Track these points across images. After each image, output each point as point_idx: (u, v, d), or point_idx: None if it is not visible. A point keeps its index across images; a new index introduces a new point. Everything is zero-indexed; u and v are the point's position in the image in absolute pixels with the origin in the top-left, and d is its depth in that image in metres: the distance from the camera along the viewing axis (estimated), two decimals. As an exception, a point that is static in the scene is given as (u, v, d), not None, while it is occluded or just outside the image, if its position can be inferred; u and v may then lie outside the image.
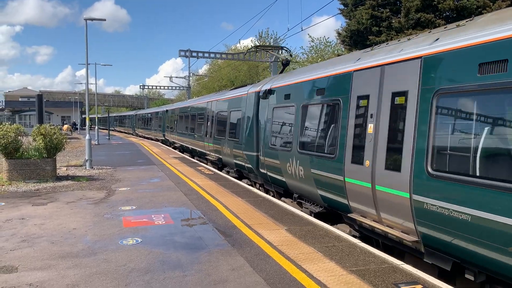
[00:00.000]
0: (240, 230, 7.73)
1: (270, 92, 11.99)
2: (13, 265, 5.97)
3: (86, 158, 17.92)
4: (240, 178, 15.18)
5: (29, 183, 13.32)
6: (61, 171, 16.42)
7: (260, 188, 13.36)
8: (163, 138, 36.13)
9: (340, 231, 7.81)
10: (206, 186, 12.82)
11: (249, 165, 13.31)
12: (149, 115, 46.46)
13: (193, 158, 23.25)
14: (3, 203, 10.28)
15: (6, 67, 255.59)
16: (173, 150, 29.32)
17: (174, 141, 30.06)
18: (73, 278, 5.46)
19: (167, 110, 34.72)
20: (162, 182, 13.68)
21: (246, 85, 16.79)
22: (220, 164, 18.03)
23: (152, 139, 42.56)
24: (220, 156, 17.06)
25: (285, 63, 16.04)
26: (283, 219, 8.62)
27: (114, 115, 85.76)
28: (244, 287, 5.17)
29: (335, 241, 7.09)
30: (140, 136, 50.24)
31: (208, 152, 19.41)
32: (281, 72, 15.38)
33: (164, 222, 8.45)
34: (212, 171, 16.75)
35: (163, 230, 7.81)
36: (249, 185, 13.66)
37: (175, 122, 29.32)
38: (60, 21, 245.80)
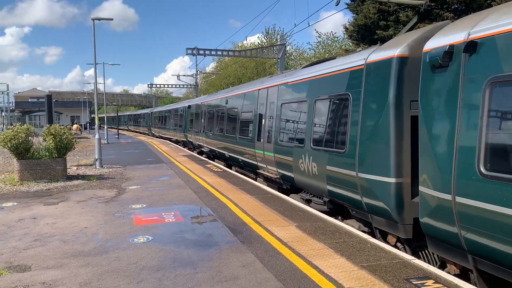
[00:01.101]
0: (250, 227, 7.74)
1: (470, 49, 5.28)
2: (27, 264, 6.04)
3: (96, 157, 18.04)
4: (333, 213, 9.12)
5: (40, 183, 13.44)
6: (72, 170, 16.56)
7: (403, 247, 7.30)
8: (185, 140, 29.72)
9: (351, 227, 7.78)
10: (215, 183, 12.85)
11: (376, 202, 7.38)
12: (167, 112, 39.70)
13: (226, 164, 18.76)
14: (15, 203, 10.39)
15: (15, 68, 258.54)
16: (183, 148, 29.21)
17: (201, 144, 23.71)
18: (86, 276, 5.51)
19: (189, 106, 28.39)
20: (172, 180, 13.74)
21: (333, 58, 10.61)
22: (286, 186, 11.65)
23: (171, 140, 36.57)
24: (290, 174, 10.82)
25: (427, 9, 9.29)
26: (292, 215, 8.61)
27: (128, 113, 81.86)
28: (255, 283, 5.19)
29: (345, 237, 7.07)
30: (157, 137, 44.87)
31: (262, 165, 13.25)
32: (410, 30, 8.79)
33: (174, 219, 8.49)
34: (221, 168, 16.78)
35: (173, 228, 7.85)
36: (367, 233, 7.88)
37: (202, 120, 23.21)
38: (69, 21, 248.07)
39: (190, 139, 27.68)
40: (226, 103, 18.12)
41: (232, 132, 16.57)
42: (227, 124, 17.63)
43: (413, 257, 6.09)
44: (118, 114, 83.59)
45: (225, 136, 17.60)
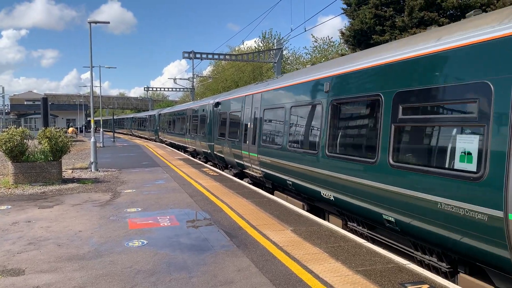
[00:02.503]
0: (246, 231, 7.73)
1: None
2: (20, 267, 5.99)
3: (92, 161, 17.98)
4: None
5: (35, 186, 13.38)
6: (67, 173, 16.49)
7: None
8: (209, 152, 20.43)
9: (346, 231, 7.79)
10: (211, 187, 12.83)
11: None
12: (180, 114, 30.32)
13: (308, 206, 10.64)
14: (9, 206, 10.33)
15: (12, 70, 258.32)
16: (178, 151, 28.98)
17: (246, 163, 14.50)
18: (80, 280, 5.48)
19: (217, 103, 19.12)
20: (167, 184, 13.71)
21: None
22: None
23: (186, 150, 27.69)
24: None
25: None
26: (288, 219, 8.61)
27: (131, 116, 72.89)
28: (250, 288, 5.17)
29: (340, 241, 7.07)
30: (167, 144, 36.84)
31: None
32: None
33: (169, 223, 8.46)
34: (217, 172, 16.75)
35: (168, 232, 7.82)
36: None
37: (249, 125, 14.13)
38: (67, 24, 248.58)
39: (218, 153, 18.44)
40: (331, 88, 8.86)
41: (362, 151, 7.78)
42: (342, 131, 8.64)
43: (408, 262, 6.09)
44: (121, 117, 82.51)
45: (334, 158, 8.50)
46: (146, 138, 50.51)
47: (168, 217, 9.01)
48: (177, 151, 29.38)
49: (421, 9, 24.33)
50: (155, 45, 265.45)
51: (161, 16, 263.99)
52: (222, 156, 17.80)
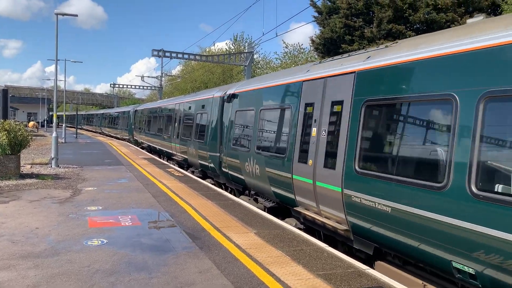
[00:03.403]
0: (209, 233, 7.68)
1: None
2: (-30, 264, 5.73)
3: (52, 156, 17.45)
4: None
5: (-9, 180, 12.85)
6: (25, 168, 15.92)
7: None
8: (211, 165, 14.59)
9: (308, 236, 7.86)
10: (176, 188, 12.68)
11: None
12: (166, 110, 23.36)
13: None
14: (-39, 200, 9.87)
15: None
16: (143, 151, 28.52)
17: (301, 199, 8.62)
18: (34, 279, 5.29)
19: (232, 96, 12.92)
20: (130, 183, 13.45)
21: None
22: None
23: (173, 159, 21.04)
24: None
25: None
26: (252, 222, 8.61)
27: (101, 112, 63.48)
28: (211, 290, 5.13)
29: (303, 245, 7.14)
30: (144, 147, 29.93)
31: None
32: None
33: (131, 223, 8.30)
34: (182, 173, 16.58)
35: (129, 232, 7.68)
36: None
37: (337, 133, 7.41)
38: (34, 14, 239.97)
39: (232, 171, 12.42)
40: None
41: None
42: None
43: (367, 267, 6.21)
44: (89, 113, 79.75)
45: None
46: (118, 138, 43.24)
47: (129, 216, 8.83)
48: (141, 150, 28.81)
49: (390, 22, 25.00)
50: (124, 41, 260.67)
51: (132, 12, 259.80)
52: (241, 177, 11.79)
